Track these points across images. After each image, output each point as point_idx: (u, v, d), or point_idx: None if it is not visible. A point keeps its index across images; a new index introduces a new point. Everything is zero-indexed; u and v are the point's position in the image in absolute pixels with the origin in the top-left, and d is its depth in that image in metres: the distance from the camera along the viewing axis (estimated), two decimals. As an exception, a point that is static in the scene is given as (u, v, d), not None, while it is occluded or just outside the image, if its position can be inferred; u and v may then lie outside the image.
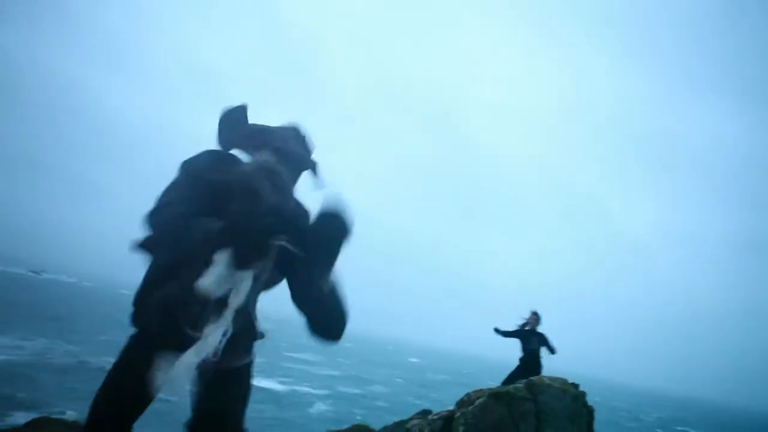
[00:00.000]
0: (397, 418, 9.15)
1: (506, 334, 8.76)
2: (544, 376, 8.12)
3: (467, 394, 7.65)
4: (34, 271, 75.04)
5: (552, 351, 8.70)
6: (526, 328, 8.76)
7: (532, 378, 7.79)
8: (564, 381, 8.41)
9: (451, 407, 7.76)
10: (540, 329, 8.84)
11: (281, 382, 27.14)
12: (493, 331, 8.75)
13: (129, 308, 1.80)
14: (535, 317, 8.82)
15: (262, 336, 1.96)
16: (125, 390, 1.69)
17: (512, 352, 8.92)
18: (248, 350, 1.92)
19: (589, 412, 8.41)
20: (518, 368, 8.70)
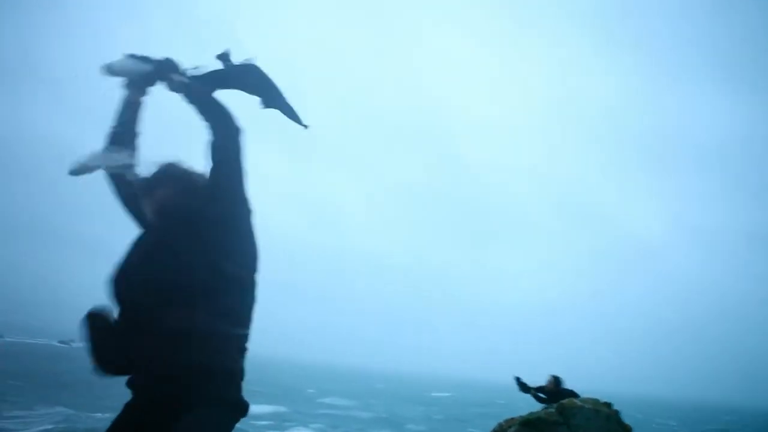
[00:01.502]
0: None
1: (524, 390, 8.43)
2: (576, 399, 8.04)
3: (499, 424, 7.61)
4: (63, 342, 75.71)
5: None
6: (543, 393, 8.39)
7: (562, 401, 7.71)
8: (596, 401, 8.30)
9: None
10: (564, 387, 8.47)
11: (317, 430, 26.77)
12: (514, 379, 8.42)
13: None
14: (554, 380, 8.47)
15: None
16: None
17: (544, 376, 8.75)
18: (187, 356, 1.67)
19: (626, 430, 8.27)
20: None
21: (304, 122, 2.14)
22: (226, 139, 1.85)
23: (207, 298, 1.69)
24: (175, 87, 1.94)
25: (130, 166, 1.94)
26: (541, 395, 8.39)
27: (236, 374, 1.75)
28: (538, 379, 8.70)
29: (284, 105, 2.09)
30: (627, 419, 8.55)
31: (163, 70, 1.97)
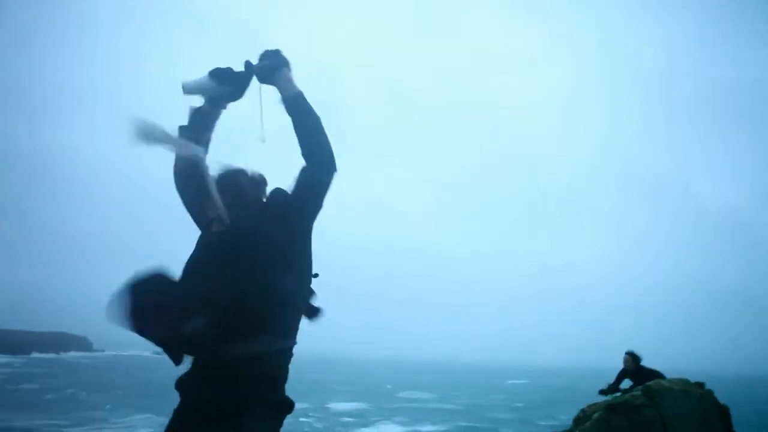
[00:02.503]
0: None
1: (612, 390, 7.92)
2: (663, 380, 7.67)
3: (582, 410, 7.42)
4: (156, 352, 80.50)
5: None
6: (626, 369, 7.98)
7: (648, 384, 7.38)
8: (686, 381, 7.88)
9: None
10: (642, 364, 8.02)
11: (401, 423, 27.04)
12: (599, 394, 7.87)
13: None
14: (631, 358, 8.00)
15: (312, 313, 1.95)
16: None
17: (619, 357, 8.30)
18: (259, 337, 1.75)
19: (723, 411, 7.80)
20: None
21: (264, 138, 2.18)
22: (318, 168, 1.94)
23: (272, 312, 1.77)
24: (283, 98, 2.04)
25: (202, 160, 1.95)
26: (623, 382, 7.94)
27: (282, 377, 1.83)
28: (613, 363, 8.32)
29: (260, 109, 2.15)
30: (725, 400, 8.02)
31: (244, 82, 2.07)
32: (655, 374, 7.87)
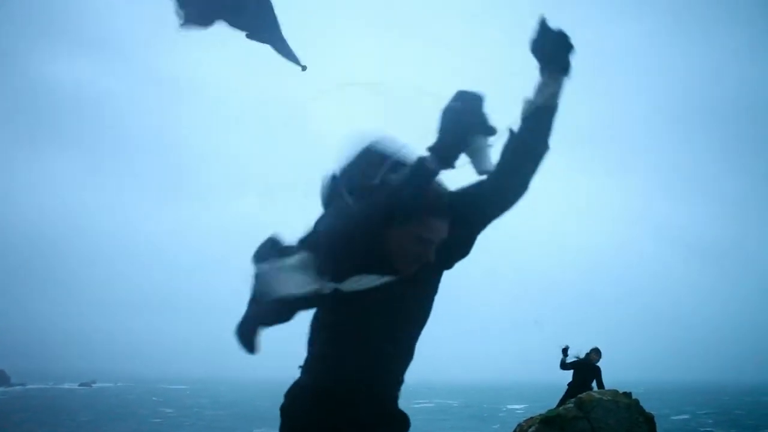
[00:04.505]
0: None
1: (565, 366, 8.94)
2: (593, 391, 8.09)
3: (519, 425, 7.64)
4: (84, 384, 75.96)
5: (600, 386, 8.69)
6: (583, 362, 8.92)
7: (580, 395, 7.76)
8: (615, 392, 8.33)
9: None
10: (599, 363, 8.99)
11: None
12: (561, 355, 8.95)
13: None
14: (597, 355, 8.96)
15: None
16: None
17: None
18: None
19: (648, 420, 8.27)
20: (567, 392, 8.67)
21: (302, 63, 2.04)
22: (514, 199, 1.69)
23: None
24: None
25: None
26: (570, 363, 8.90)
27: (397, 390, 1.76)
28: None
29: (280, 41, 1.98)
30: (649, 408, 8.54)
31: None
32: (597, 375, 8.79)
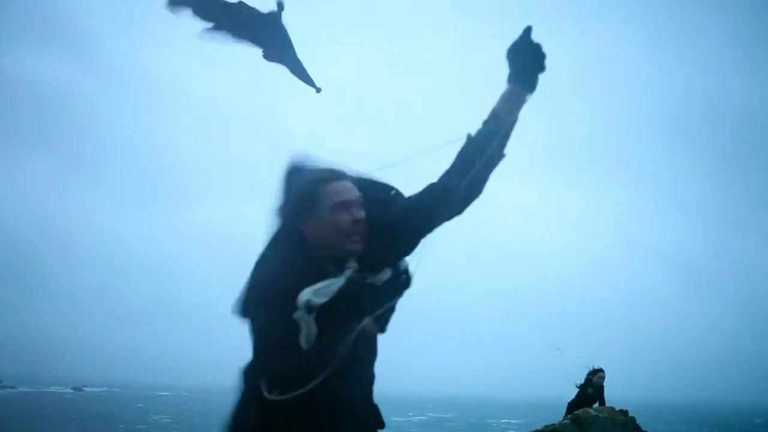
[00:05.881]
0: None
1: (574, 406, 8.27)
2: (590, 408, 8.00)
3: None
4: (75, 388, 75.42)
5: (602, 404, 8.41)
6: (588, 388, 8.34)
7: (576, 412, 7.70)
8: (611, 409, 8.26)
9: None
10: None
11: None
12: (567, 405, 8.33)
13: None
14: (602, 376, 8.38)
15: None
16: None
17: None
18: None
19: (644, 437, 8.21)
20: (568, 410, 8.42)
21: (317, 85, 2.06)
22: (455, 202, 1.67)
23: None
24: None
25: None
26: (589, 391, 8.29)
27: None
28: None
29: (295, 62, 1.98)
30: (646, 426, 8.46)
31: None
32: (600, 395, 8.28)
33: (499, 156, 1.70)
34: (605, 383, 8.33)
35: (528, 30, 1.70)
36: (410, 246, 1.64)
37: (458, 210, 1.68)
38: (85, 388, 76.54)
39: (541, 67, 1.71)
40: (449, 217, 1.67)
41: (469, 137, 1.69)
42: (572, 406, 8.37)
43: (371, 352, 1.68)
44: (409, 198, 1.67)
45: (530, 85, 1.71)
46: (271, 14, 1.92)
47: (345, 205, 1.55)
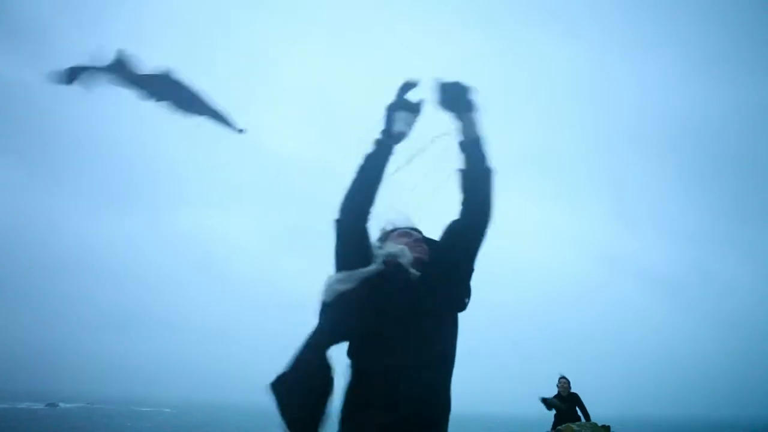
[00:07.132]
0: None
1: (549, 407, 8.58)
2: (572, 424, 8.06)
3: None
4: (50, 404, 73.31)
5: (586, 416, 8.51)
6: (561, 394, 8.60)
7: (559, 428, 7.76)
8: (594, 425, 8.31)
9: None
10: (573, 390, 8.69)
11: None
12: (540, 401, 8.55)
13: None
14: (564, 382, 8.66)
15: None
16: None
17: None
18: None
19: (626, 453, 8.27)
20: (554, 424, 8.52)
21: (238, 126, 2.06)
22: (479, 224, 1.86)
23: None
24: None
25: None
26: (558, 403, 8.45)
27: None
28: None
29: (210, 111, 2.00)
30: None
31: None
32: (578, 403, 8.45)
33: (489, 171, 1.85)
34: (581, 393, 8.54)
35: (437, 83, 1.87)
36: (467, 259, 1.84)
37: (483, 227, 1.85)
38: (60, 404, 74.41)
39: (465, 89, 1.87)
40: (480, 238, 1.84)
41: (458, 171, 1.87)
42: (554, 423, 8.45)
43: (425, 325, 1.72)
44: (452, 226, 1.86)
45: (468, 107, 1.87)
46: (165, 74, 1.93)
47: (406, 234, 1.87)
